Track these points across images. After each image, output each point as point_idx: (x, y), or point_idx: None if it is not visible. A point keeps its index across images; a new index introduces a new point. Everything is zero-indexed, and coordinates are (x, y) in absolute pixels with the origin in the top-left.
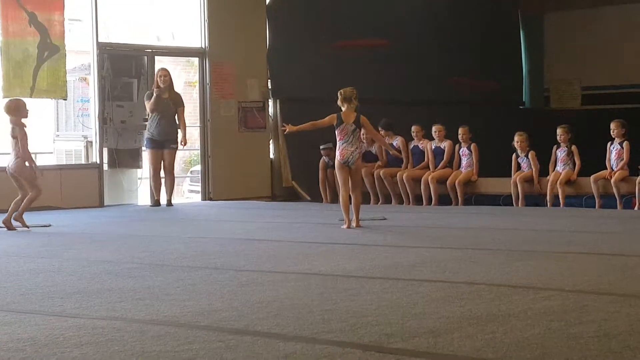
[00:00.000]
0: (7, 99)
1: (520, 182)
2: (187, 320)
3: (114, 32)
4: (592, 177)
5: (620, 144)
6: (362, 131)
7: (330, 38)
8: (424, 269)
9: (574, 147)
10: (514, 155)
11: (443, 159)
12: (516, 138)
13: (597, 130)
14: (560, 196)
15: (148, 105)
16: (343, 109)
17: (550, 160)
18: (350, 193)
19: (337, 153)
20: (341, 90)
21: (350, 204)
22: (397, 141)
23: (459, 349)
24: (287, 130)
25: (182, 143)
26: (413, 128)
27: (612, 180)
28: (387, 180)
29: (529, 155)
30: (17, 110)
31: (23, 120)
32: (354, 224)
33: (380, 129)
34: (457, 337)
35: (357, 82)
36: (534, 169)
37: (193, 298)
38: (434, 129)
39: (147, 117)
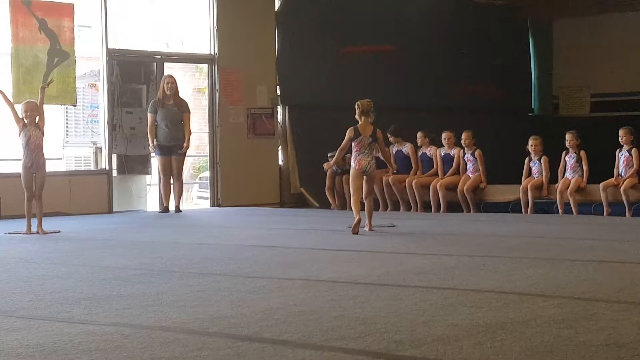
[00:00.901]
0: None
1: (530, 189)
2: (195, 327)
3: (124, 39)
4: (601, 185)
5: (629, 151)
6: None
7: (339, 44)
8: (433, 275)
9: (582, 153)
10: (527, 159)
11: (452, 166)
12: (531, 142)
13: (606, 137)
14: (572, 205)
15: (150, 133)
16: (360, 121)
17: (560, 166)
18: (363, 199)
19: (354, 162)
20: (358, 103)
21: (362, 210)
22: (407, 147)
23: (468, 357)
24: (327, 167)
25: (184, 148)
26: (418, 135)
27: (622, 188)
28: (396, 187)
29: (542, 160)
30: None
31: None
32: (366, 228)
33: (389, 135)
34: (466, 344)
35: (365, 88)
36: (544, 174)
37: (201, 304)
38: (443, 135)
39: (155, 124)
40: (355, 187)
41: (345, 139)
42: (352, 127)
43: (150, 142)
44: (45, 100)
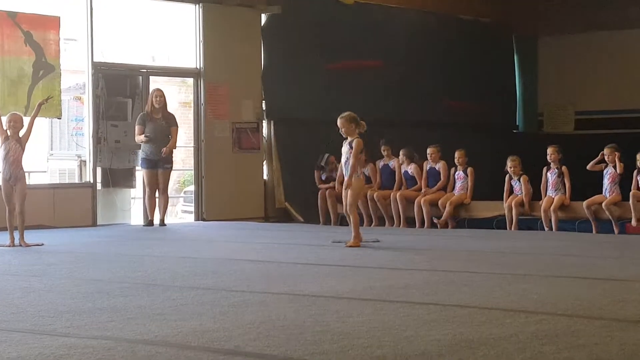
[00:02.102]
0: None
1: (514, 206)
2: (177, 340)
3: (109, 52)
4: (584, 203)
5: (615, 167)
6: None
7: (325, 59)
8: (416, 291)
9: (564, 168)
10: (507, 177)
11: (438, 180)
12: (509, 163)
13: (590, 154)
14: (553, 222)
15: (138, 137)
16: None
17: (542, 182)
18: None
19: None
20: (355, 116)
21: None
22: (394, 162)
23: None
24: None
25: (164, 153)
26: (400, 153)
27: (604, 203)
28: (381, 203)
29: (521, 179)
30: None
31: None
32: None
33: (382, 146)
34: None
35: (350, 103)
36: (524, 192)
37: (184, 318)
38: (428, 150)
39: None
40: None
41: (362, 149)
42: (360, 139)
43: (140, 138)
44: (31, 113)
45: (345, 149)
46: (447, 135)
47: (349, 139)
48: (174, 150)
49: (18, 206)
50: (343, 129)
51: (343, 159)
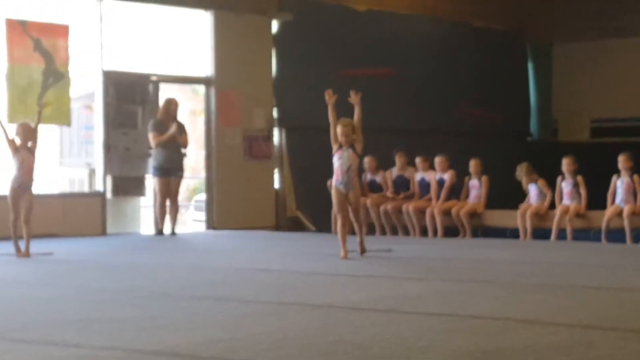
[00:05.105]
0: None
1: (529, 217)
2: (189, 351)
3: (119, 60)
4: (605, 220)
5: (630, 177)
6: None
7: (337, 67)
8: (430, 301)
9: (579, 178)
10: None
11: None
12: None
13: (605, 163)
14: (568, 231)
15: (155, 139)
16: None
17: (556, 191)
18: (353, 221)
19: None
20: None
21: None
22: (408, 172)
23: None
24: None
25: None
26: (417, 160)
27: (624, 214)
28: (394, 215)
29: (539, 183)
30: None
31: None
32: (358, 250)
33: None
34: None
35: (362, 111)
36: (547, 195)
37: (195, 328)
38: (436, 160)
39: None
40: (337, 208)
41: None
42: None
43: (170, 131)
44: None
45: (345, 154)
46: (460, 143)
47: (346, 145)
48: (184, 158)
49: (24, 215)
50: (347, 138)
51: (345, 167)
